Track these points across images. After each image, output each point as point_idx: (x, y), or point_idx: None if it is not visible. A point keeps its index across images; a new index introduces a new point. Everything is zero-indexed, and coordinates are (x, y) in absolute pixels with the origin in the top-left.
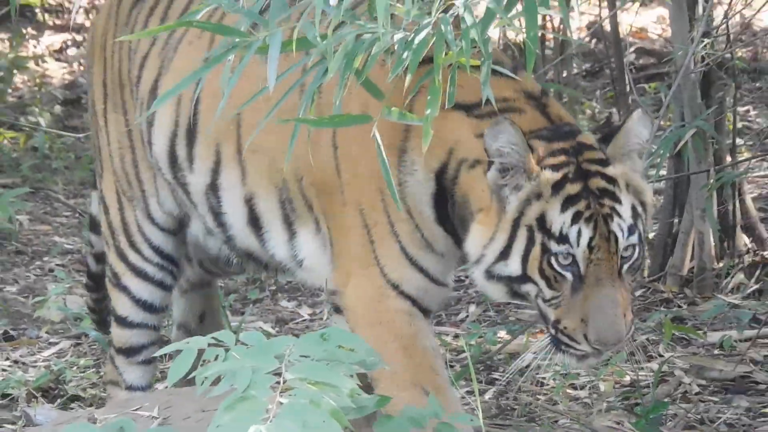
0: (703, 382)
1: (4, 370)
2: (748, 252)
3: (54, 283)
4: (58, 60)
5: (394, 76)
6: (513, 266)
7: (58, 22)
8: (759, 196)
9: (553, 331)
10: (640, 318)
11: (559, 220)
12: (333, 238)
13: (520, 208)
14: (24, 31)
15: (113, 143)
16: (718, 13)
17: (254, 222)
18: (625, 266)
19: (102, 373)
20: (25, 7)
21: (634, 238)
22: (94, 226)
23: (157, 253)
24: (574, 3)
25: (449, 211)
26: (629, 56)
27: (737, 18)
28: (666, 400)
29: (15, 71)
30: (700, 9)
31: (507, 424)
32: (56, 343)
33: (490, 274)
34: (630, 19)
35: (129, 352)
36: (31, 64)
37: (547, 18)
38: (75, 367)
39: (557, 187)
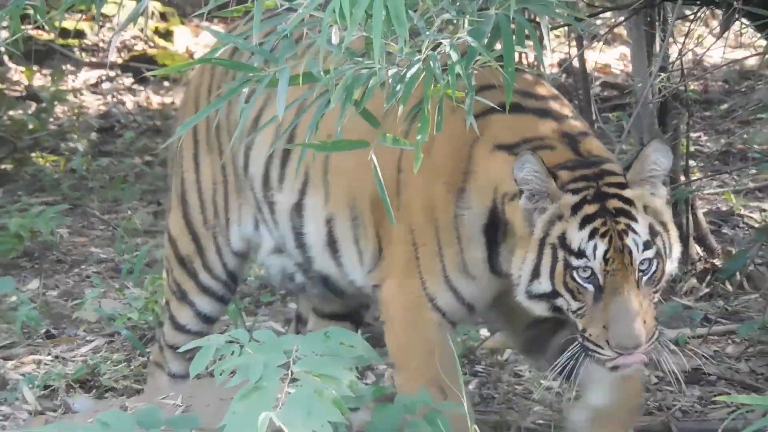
0: (660, 374)
1: (46, 364)
2: (700, 260)
3: (90, 288)
4: (93, 93)
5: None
6: (544, 284)
7: (94, 59)
8: (709, 211)
9: (581, 339)
10: None
11: (577, 237)
12: (382, 245)
13: (545, 228)
14: (64, 67)
15: (205, 181)
16: (673, 51)
17: (332, 244)
18: (644, 278)
19: (138, 363)
20: (65, 47)
21: (650, 253)
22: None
23: (226, 273)
24: (547, 42)
25: (499, 241)
26: (595, 89)
27: (690, 55)
28: None
29: (56, 103)
30: (657, 47)
31: (489, 411)
32: (92, 341)
33: (529, 294)
34: (596, 57)
35: (179, 348)
36: (70, 97)
37: (523, 55)
38: (109, 362)
39: (576, 208)
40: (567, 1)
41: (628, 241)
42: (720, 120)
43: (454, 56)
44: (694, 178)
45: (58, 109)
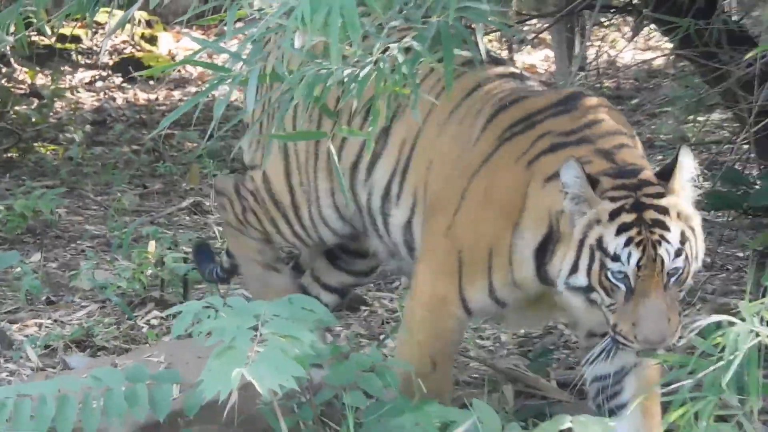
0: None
1: (46, 327)
2: None
3: (85, 260)
4: (88, 90)
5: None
6: (581, 278)
7: (88, 61)
8: None
9: (612, 333)
10: None
11: (614, 242)
12: (424, 240)
13: (583, 231)
14: (62, 68)
15: (299, 144)
16: (591, 53)
17: None
18: (672, 280)
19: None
20: (63, 50)
21: (680, 260)
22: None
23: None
24: (481, 46)
25: (547, 259)
26: None
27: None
28: (551, 347)
29: (55, 99)
30: (576, 50)
31: None
32: (86, 306)
33: (568, 286)
34: (524, 58)
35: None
36: (68, 94)
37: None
38: (101, 325)
39: (613, 215)
40: (499, 10)
41: (661, 251)
42: (631, 113)
43: (401, 58)
44: None
45: (58, 104)
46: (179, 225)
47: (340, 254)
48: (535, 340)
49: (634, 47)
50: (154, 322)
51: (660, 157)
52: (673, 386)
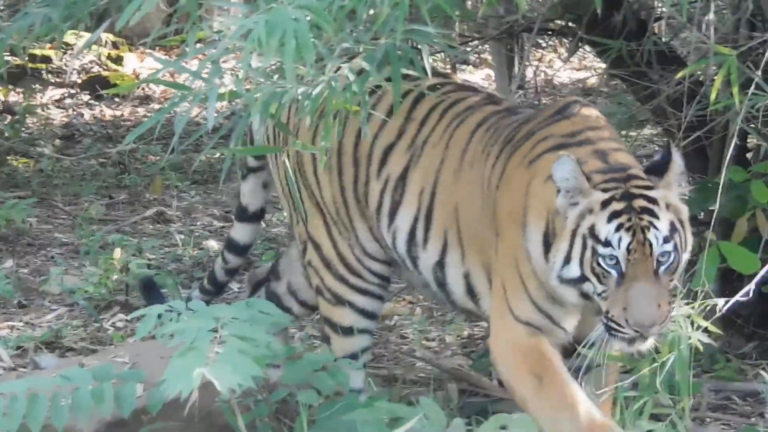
0: None
1: (18, 329)
2: None
3: (54, 266)
4: (58, 107)
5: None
6: (573, 269)
7: (58, 80)
8: None
9: (605, 320)
10: None
11: (605, 228)
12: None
13: (576, 221)
14: (34, 86)
15: (326, 197)
16: (529, 72)
17: (471, 292)
18: (662, 268)
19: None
20: (35, 70)
21: (669, 246)
22: (232, 248)
23: (374, 274)
24: (427, 65)
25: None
26: None
27: (542, 75)
28: None
29: (27, 115)
30: (516, 69)
31: (380, 366)
32: (56, 310)
33: (561, 279)
34: (466, 77)
35: (351, 357)
36: (39, 110)
37: None
38: (69, 327)
39: (605, 203)
40: (443, 32)
41: (650, 235)
42: None
43: (351, 77)
44: None
45: (29, 120)
46: (143, 233)
47: None
48: (479, 341)
49: (569, 67)
50: (120, 324)
51: None
52: (611, 387)
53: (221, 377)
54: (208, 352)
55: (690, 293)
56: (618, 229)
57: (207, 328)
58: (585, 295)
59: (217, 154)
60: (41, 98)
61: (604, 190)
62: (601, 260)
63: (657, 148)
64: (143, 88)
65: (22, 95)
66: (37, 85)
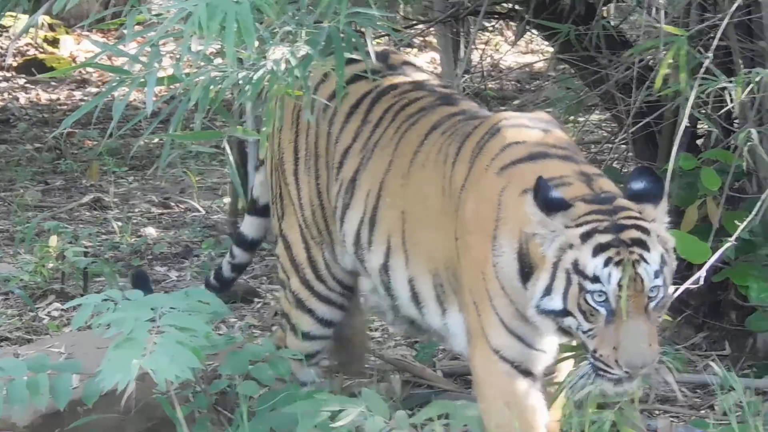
0: None
1: None
2: None
3: None
4: None
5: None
6: (555, 302)
7: None
8: None
9: (591, 359)
10: None
11: (591, 264)
12: (462, 313)
13: (557, 254)
14: None
15: (304, 198)
16: (475, 56)
17: (415, 298)
18: (652, 304)
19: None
20: None
21: (659, 281)
22: (241, 243)
23: (339, 284)
24: (370, 49)
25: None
26: None
27: (488, 60)
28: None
29: None
30: (462, 53)
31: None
32: None
33: (539, 309)
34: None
35: (306, 358)
36: None
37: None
38: (4, 316)
39: (585, 237)
40: (387, 15)
41: (641, 270)
42: None
43: (293, 62)
44: None
45: None
46: (80, 220)
47: None
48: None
49: (516, 51)
50: (55, 313)
51: None
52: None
53: (159, 368)
54: (146, 342)
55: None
56: (607, 263)
57: (144, 318)
58: (564, 330)
59: (156, 140)
60: None
61: (584, 224)
62: (589, 297)
63: (605, 135)
64: (80, 72)
65: None
66: None
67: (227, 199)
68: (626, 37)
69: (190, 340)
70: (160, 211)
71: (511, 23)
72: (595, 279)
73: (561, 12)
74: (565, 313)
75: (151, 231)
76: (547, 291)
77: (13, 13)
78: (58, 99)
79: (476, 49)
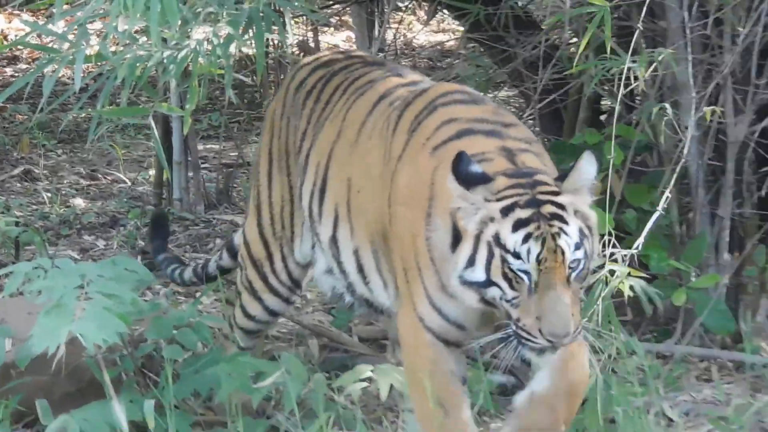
0: None
1: None
2: None
3: None
4: None
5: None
6: (478, 273)
7: None
8: None
9: (514, 328)
10: None
11: (511, 239)
12: (392, 278)
13: (478, 227)
14: None
15: (275, 195)
16: (389, 35)
17: (361, 270)
18: (573, 275)
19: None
20: None
21: (580, 253)
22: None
23: (290, 279)
24: (288, 29)
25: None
26: None
27: (402, 38)
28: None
29: None
30: (376, 32)
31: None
32: None
33: (462, 280)
34: (327, 39)
35: (249, 332)
36: None
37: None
38: None
39: (505, 211)
40: None
41: (561, 242)
42: None
43: (215, 41)
44: None
45: None
46: (11, 191)
47: None
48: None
49: (428, 30)
50: None
51: None
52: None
53: (87, 333)
54: (75, 309)
55: None
56: (526, 239)
57: (73, 285)
58: (486, 301)
59: (84, 114)
60: None
61: (504, 198)
62: (511, 266)
63: (513, 110)
64: (11, 49)
65: None
66: None
67: (152, 171)
68: (533, 17)
69: (117, 306)
70: (87, 182)
71: (424, 3)
72: (516, 255)
73: None
74: (489, 283)
75: (79, 201)
76: (470, 262)
77: None
78: None
79: (390, 28)
